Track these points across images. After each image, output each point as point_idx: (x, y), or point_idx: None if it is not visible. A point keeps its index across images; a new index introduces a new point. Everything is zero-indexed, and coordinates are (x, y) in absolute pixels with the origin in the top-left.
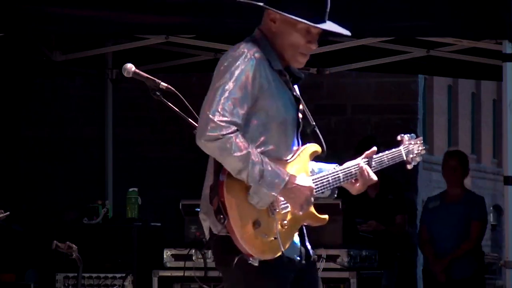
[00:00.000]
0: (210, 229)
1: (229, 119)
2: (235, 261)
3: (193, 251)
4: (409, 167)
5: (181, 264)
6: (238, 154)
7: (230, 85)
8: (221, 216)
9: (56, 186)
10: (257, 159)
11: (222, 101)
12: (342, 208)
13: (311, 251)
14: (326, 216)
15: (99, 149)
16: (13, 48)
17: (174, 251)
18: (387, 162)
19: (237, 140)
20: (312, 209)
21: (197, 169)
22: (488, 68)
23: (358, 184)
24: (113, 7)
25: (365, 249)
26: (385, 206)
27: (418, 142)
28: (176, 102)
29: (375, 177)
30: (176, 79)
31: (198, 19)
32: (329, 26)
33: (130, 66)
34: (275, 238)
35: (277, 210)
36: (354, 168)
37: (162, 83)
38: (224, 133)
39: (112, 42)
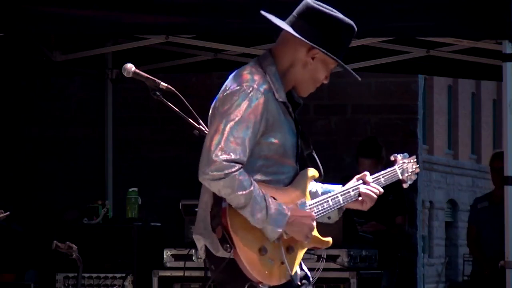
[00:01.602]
0: (206, 249)
1: (232, 157)
2: None
3: (193, 251)
4: (405, 186)
5: (181, 264)
6: (242, 192)
7: (235, 123)
8: (227, 245)
9: (56, 186)
10: (260, 196)
11: (226, 138)
12: None
13: (308, 273)
14: (330, 239)
15: (99, 149)
16: (13, 48)
17: (174, 251)
18: (383, 182)
19: (241, 178)
20: (316, 233)
21: (197, 169)
22: (488, 68)
23: (366, 203)
24: (113, 7)
25: (365, 249)
26: (385, 207)
27: (412, 160)
28: (176, 102)
29: (380, 189)
30: (176, 79)
31: (198, 19)
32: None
33: (130, 66)
34: (282, 263)
35: (284, 235)
36: (353, 189)
37: (162, 83)
38: (227, 172)
39: (112, 42)
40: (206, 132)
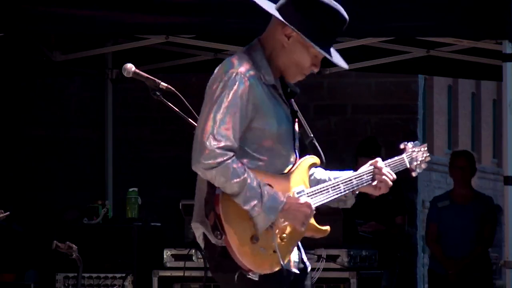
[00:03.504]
0: (204, 237)
1: (224, 144)
2: (236, 277)
3: (193, 251)
4: (413, 174)
5: (181, 264)
6: (235, 180)
7: (223, 109)
8: (218, 232)
9: (56, 186)
10: (254, 184)
11: (216, 126)
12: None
13: (307, 263)
14: (328, 228)
15: (99, 149)
16: (13, 48)
17: (174, 251)
18: (391, 170)
19: (234, 165)
20: (313, 221)
21: None
22: (488, 68)
23: (379, 189)
24: (113, 7)
25: (365, 249)
26: (385, 207)
27: (422, 149)
28: (176, 102)
29: (393, 175)
30: (176, 79)
31: (198, 19)
32: (334, 55)
33: (130, 66)
34: (274, 251)
35: (276, 224)
36: (366, 174)
37: (162, 83)
38: (220, 160)
39: (112, 42)
40: None
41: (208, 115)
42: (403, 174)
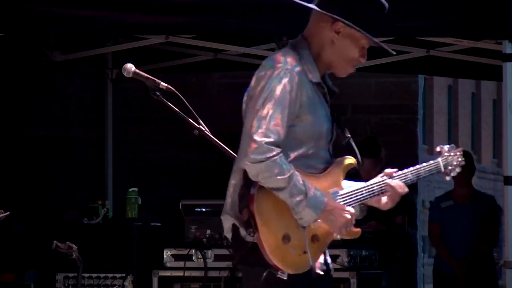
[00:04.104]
0: (233, 228)
1: (273, 140)
2: (264, 274)
3: (193, 251)
4: (447, 178)
5: (181, 264)
6: (281, 177)
7: (272, 105)
8: (251, 230)
9: (56, 186)
10: (300, 181)
11: (265, 121)
12: None
13: (330, 265)
14: (359, 230)
15: (99, 149)
16: (13, 48)
17: (174, 251)
18: (424, 174)
19: (280, 162)
20: None
21: (197, 169)
22: (488, 68)
23: (386, 201)
24: (113, 7)
25: (365, 249)
26: None
27: (458, 153)
28: (176, 102)
29: (405, 189)
30: (176, 79)
31: (198, 19)
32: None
33: (130, 66)
34: (304, 252)
35: (311, 224)
36: (377, 184)
37: (162, 83)
38: (268, 155)
39: (112, 42)
40: (206, 131)
41: (258, 111)
42: None
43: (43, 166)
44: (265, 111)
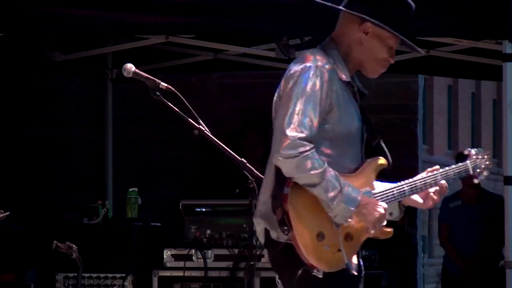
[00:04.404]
0: (265, 233)
1: (305, 135)
2: (299, 273)
3: (193, 251)
4: (475, 181)
5: (181, 264)
6: (314, 172)
7: (304, 101)
8: (285, 228)
9: (56, 186)
10: (333, 176)
11: (298, 117)
12: None
13: (362, 267)
14: (391, 229)
15: (99, 149)
16: (13, 48)
17: (174, 251)
18: (453, 176)
19: (314, 157)
20: None
21: (197, 169)
22: (488, 68)
23: (430, 202)
24: (113, 7)
25: (365, 249)
26: None
27: (486, 156)
28: (176, 102)
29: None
30: (176, 79)
31: (198, 19)
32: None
33: (130, 66)
34: (339, 250)
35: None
36: (420, 181)
37: (162, 83)
38: (301, 151)
39: (112, 42)
40: (206, 131)
41: (288, 107)
42: (403, 175)
43: (43, 166)
44: (297, 108)
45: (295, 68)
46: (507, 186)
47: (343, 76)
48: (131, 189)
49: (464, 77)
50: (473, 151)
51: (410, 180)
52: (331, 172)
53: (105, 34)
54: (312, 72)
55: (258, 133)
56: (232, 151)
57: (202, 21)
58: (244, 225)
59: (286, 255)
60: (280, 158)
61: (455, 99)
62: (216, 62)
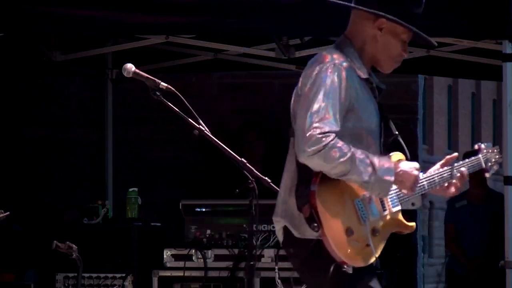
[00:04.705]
0: (284, 231)
1: (327, 129)
2: (332, 269)
3: (193, 251)
4: (487, 175)
5: (181, 264)
6: (343, 159)
7: (323, 98)
8: (315, 224)
9: (56, 186)
10: (362, 155)
11: (317, 115)
12: None
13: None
14: (414, 224)
15: (99, 149)
16: (13, 48)
17: (174, 251)
18: (467, 170)
19: (338, 145)
20: (401, 217)
21: (197, 169)
22: (488, 68)
23: (453, 188)
24: (113, 7)
25: None
26: None
27: (495, 150)
28: (176, 102)
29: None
30: (176, 79)
31: (198, 19)
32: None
33: (130, 66)
34: (367, 245)
35: (369, 218)
36: (446, 172)
37: (162, 83)
38: (325, 143)
39: (112, 42)
40: (206, 131)
41: (309, 106)
42: None
43: (43, 166)
44: (316, 105)
45: (312, 68)
46: (507, 186)
47: (361, 73)
48: (131, 189)
49: (464, 77)
50: (483, 146)
51: (439, 171)
52: (358, 153)
53: (105, 34)
54: (330, 71)
55: (258, 133)
56: (232, 151)
57: (202, 21)
58: (244, 225)
59: (314, 253)
60: (306, 156)
61: (455, 99)
62: (216, 62)
